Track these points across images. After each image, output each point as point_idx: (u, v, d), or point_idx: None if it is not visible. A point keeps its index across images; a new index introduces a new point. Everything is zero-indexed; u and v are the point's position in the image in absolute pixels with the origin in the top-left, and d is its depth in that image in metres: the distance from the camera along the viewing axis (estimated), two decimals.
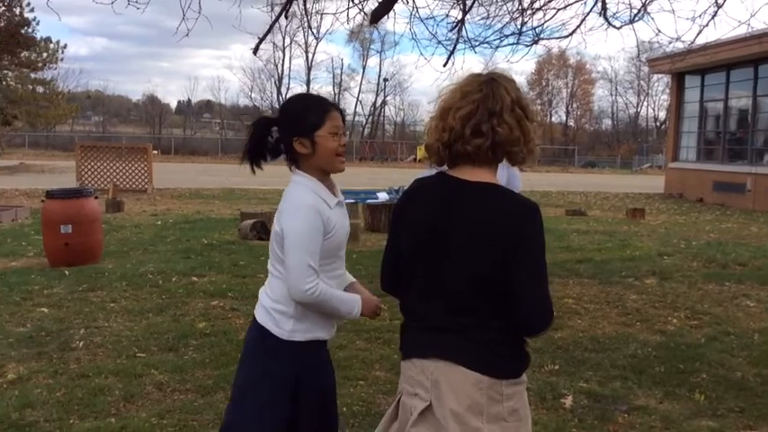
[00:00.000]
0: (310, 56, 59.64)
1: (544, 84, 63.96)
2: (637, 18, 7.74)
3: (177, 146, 50.19)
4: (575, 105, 65.58)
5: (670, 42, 8.50)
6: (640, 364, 4.91)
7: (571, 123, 65.83)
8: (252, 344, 2.45)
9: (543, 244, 1.92)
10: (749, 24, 7.41)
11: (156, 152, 30.12)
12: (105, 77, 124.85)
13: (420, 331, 2.02)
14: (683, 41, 8.02)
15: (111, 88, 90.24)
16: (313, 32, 47.94)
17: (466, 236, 1.91)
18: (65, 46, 32.40)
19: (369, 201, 13.47)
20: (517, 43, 8.57)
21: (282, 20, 8.25)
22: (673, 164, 22.86)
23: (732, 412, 4.09)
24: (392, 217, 2.16)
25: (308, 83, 60.29)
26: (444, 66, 8.65)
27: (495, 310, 1.92)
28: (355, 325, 5.68)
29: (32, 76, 32.81)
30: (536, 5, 8.33)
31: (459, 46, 8.55)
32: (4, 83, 28.81)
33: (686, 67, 19.25)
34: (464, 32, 8.46)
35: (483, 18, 8.67)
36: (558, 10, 8.24)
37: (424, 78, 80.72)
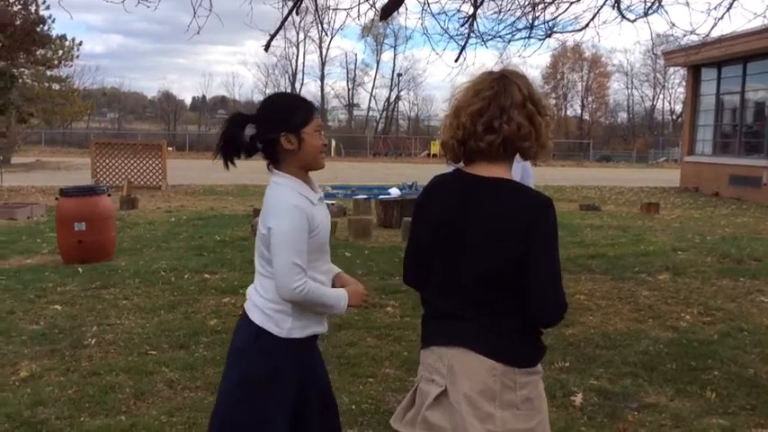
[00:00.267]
0: (324, 51, 59.70)
1: (559, 77, 63.55)
2: (651, 11, 7.65)
3: (192, 142, 50.37)
4: (590, 99, 65.08)
5: (684, 35, 8.38)
6: (652, 361, 4.88)
7: (586, 117, 65.34)
8: (244, 344, 2.44)
9: (556, 237, 1.98)
10: (765, 16, 7.32)
11: (170, 149, 30.27)
12: (121, 74, 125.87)
13: (439, 320, 2.08)
14: (697, 34, 7.93)
15: (127, 85, 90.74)
16: (324, 29, 47.93)
17: (482, 232, 1.97)
18: (80, 43, 32.58)
19: (381, 197, 13.47)
20: (529, 37, 8.49)
21: (296, 15, 8.24)
22: (688, 158, 22.65)
23: (744, 410, 4.06)
24: (414, 213, 2.22)
25: (321, 78, 60.43)
26: (456, 61, 8.59)
27: (510, 303, 1.97)
28: (366, 322, 5.70)
29: (48, 73, 33.06)
30: None
31: (471, 41, 8.49)
32: (20, 81, 29.01)
33: (702, 60, 19.05)
34: (476, 27, 8.42)
35: (495, 12, 8.62)
36: (571, 3, 8.17)
37: (438, 73, 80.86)
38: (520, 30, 8.54)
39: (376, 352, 4.98)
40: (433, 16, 8.35)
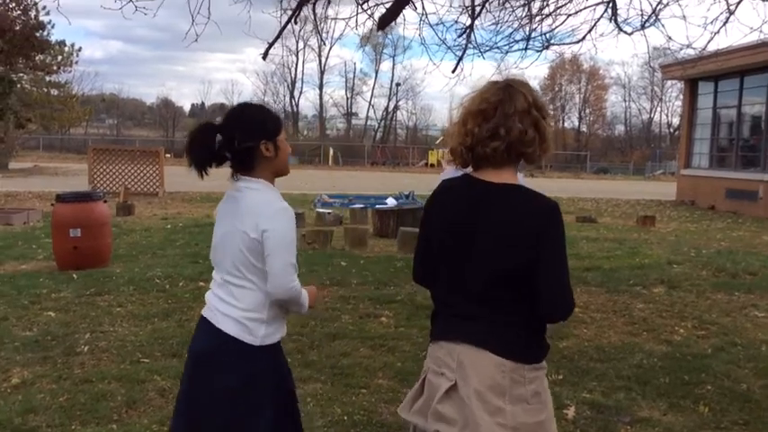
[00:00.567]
0: (323, 60, 59.82)
1: (557, 89, 63.72)
2: (648, 24, 7.69)
3: None
4: (588, 111, 65.29)
5: (681, 49, 8.42)
6: (645, 374, 4.88)
7: (584, 129, 65.56)
8: (215, 355, 2.44)
9: (564, 241, 2.08)
10: (761, 31, 7.35)
11: (168, 155, 30.26)
12: (120, 81, 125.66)
13: (449, 317, 2.15)
14: (694, 48, 7.97)
15: (126, 91, 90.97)
16: (322, 38, 48.06)
17: (491, 237, 2.05)
18: (79, 49, 32.61)
19: (378, 206, 13.46)
20: (526, 49, 8.54)
21: (295, 24, 8.26)
22: (685, 171, 22.70)
23: (736, 425, 4.06)
24: (422, 216, 2.30)
25: (320, 87, 60.55)
26: (453, 72, 8.63)
27: (517, 303, 2.06)
28: (360, 332, 5.69)
29: (47, 79, 33.05)
30: (545, 12, 8.30)
31: (469, 51, 8.53)
32: (18, 86, 29.02)
33: (699, 74, 19.13)
34: (473, 38, 8.45)
35: (492, 24, 8.65)
36: (568, 16, 8.22)
37: (437, 83, 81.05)
38: (517, 41, 8.59)
39: (369, 362, 4.97)
40: (431, 27, 8.39)
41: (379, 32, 9.40)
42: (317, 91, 61.03)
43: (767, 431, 3.98)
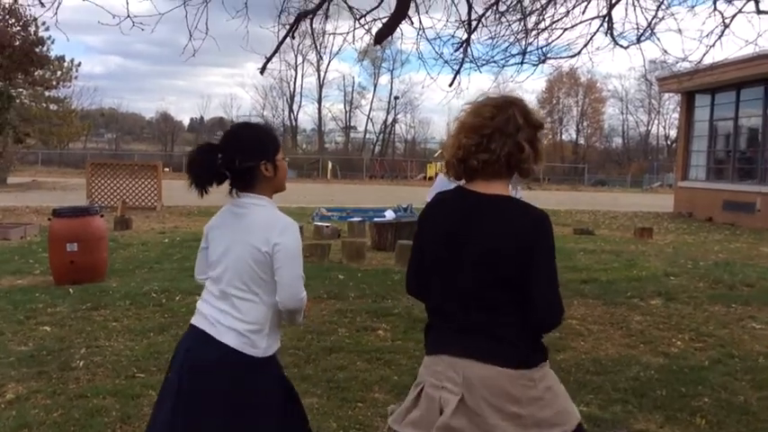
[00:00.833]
0: (321, 74, 59.98)
1: (555, 102, 63.95)
2: (643, 38, 7.74)
3: None
4: (585, 123, 65.51)
5: (677, 62, 8.47)
6: (642, 387, 4.86)
7: (581, 141, 65.72)
8: (215, 367, 2.45)
9: (554, 249, 2.13)
10: (757, 44, 7.37)
11: (167, 169, 30.31)
12: (119, 95, 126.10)
13: (446, 331, 2.17)
14: (690, 61, 8.02)
15: (125, 106, 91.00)
16: (320, 53, 48.17)
17: (483, 248, 2.09)
18: (79, 64, 32.78)
19: (376, 219, 13.47)
20: (522, 63, 8.58)
21: (292, 39, 8.31)
22: (682, 183, 22.75)
23: None
24: (417, 228, 2.36)
25: (319, 101, 60.67)
26: (450, 85, 8.67)
27: (511, 312, 2.10)
28: (357, 345, 5.68)
29: (46, 94, 33.18)
30: (541, 26, 8.35)
31: (466, 65, 8.58)
32: (17, 101, 29.08)
33: (696, 86, 19.21)
34: (470, 52, 8.50)
35: (488, 38, 8.69)
36: (565, 30, 8.26)
37: (435, 96, 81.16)
38: (514, 55, 8.63)
39: (366, 376, 4.95)
40: (428, 41, 8.44)
41: (377, 47, 9.45)
42: (316, 105, 61.24)
43: None
